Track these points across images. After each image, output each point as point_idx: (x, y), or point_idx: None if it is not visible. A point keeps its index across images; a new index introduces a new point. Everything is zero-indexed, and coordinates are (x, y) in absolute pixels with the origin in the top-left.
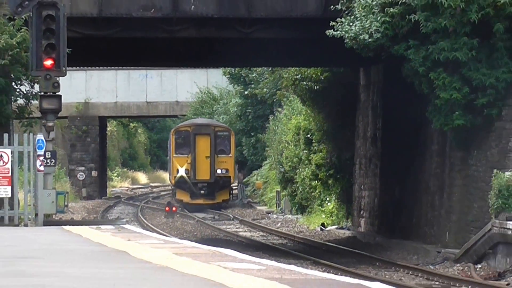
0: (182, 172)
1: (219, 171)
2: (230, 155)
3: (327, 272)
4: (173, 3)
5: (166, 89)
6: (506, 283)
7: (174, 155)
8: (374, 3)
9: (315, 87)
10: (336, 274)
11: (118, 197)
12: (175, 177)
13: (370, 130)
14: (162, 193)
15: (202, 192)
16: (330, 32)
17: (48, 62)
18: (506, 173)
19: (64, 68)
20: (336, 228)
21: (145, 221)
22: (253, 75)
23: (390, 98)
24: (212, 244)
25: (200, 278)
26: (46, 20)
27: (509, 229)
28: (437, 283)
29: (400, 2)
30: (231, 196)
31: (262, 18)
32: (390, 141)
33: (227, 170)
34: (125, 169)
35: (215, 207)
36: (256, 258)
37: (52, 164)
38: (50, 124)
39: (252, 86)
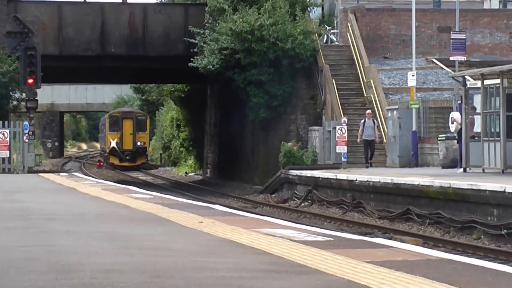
0: (113, 144)
1: (138, 143)
2: (146, 132)
3: (188, 199)
4: (101, 47)
5: (97, 96)
6: (288, 204)
7: (109, 132)
8: (215, 48)
9: (182, 95)
10: (194, 200)
11: (70, 157)
12: (109, 147)
13: (213, 119)
14: (96, 155)
15: (127, 157)
16: (191, 64)
17: (30, 81)
18: (288, 144)
19: (39, 84)
20: (194, 175)
21: (85, 170)
22: (147, 88)
23: (224, 101)
24: (124, 184)
25: (116, 203)
26: (29, 57)
27: (290, 174)
28: (249, 205)
29: (229, 48)
30: (146, 160)
31: (153, 56)
32: (224, 126)
33: (144, 143)
34: (74, 141)
35: (136, 168)
36: (148, 191)
37: (32, 138)
38: (31, 115)
39: (146, 94)
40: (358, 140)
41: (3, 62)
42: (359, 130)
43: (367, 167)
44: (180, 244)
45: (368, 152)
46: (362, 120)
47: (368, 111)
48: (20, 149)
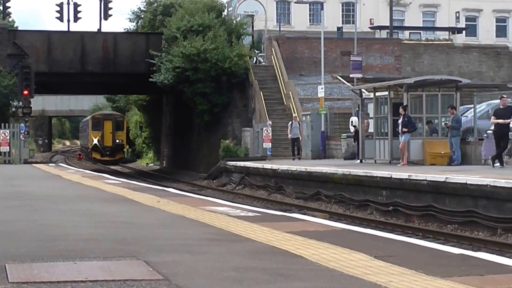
0: (96, 141)
1: (117, 141)
2: (124, 131)
3: (149, 184)
4: (81, 66)
5: (78, 104)
6: (226, 188)
7: (92, 131)
8: (169, 67)
9: (144, 103)
10: (153, 184)
11: (56, 151)
12: (91, 144)
13: (168, 122)
14: (76, 150)
15: (108, 153)
16: (151, 79)
17: (26, 92)
18: (226, 141)
19: (32, 94)
20: (153, 165)
21: (68, 162)
22: (117, 97)
23: (177, 108)
24: (99, 172)
25: (93, 187)
26: (25, 74)
27: (227, 165)
28: (196, 188)
29: (180, 67)
30: (124, 155)
31: (121, 73)
32: (176, 127)
33: (122, 141)
34: (60, 139)
35: (115, 162)
36: (117, 178)
37: (27, 137)
38: (26, 119)
39: (116, 102)
40: (289, 137)
41: (4, 78)
42: (288, 130)
43: (293, 159)
44: (143, 218)
45: (294, 147)
46: (290, 122)
47: (294, 115)
48: (17, 145)
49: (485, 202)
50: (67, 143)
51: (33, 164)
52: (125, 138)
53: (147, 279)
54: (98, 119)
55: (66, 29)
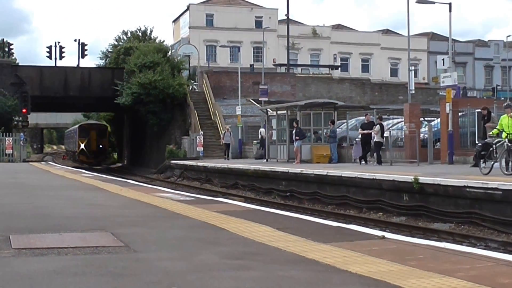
0: (82, 146)
1: (100, 146)
2: (106, 138)
3: (114, 177)
4: (65, 91)
5: (62, 118)
6: (170, 180)
7: (79, 138)
8: (129, 92)
9: (111, 118)
10: (117, 177)
11: (46, 153)
12: (79, 148)
13: (128, 132)
14: (61, 153)
15: (92, 156)
16: (115, 101)
17: (24, 110)
18: (170, 146)
19: (29, 112)
20: (118, 163)
21: (55, 161)
22: (91, 114)
23: (134, 122)
24: (77, 169)
25: (73, 179)
26: (24, 97)
27: (171, 163)
28: (148, 180)
29: (137, 92)
30: (106, 158)
31: (94, 97)
32: (134, 135)
33: (104, 146)
34: (49, 144)
35: (98, 163)
36: (91, 172)
37: (25, 142)
38: (25, 130)
39: (90, 118)
40: (222, 143)
41: (8, 100)
42: (222, 138)
43: (226, 159)
44: (109, 202)
45: (227, 150)
46: (224, 131)
47: (227, 127)
48: (18, 149)
49: (354, 189)
50: (55, 147)
51: (30, 162)
52: (107, 143)
53: (112, 246)
54: (85, 127)
55: (54, 65)
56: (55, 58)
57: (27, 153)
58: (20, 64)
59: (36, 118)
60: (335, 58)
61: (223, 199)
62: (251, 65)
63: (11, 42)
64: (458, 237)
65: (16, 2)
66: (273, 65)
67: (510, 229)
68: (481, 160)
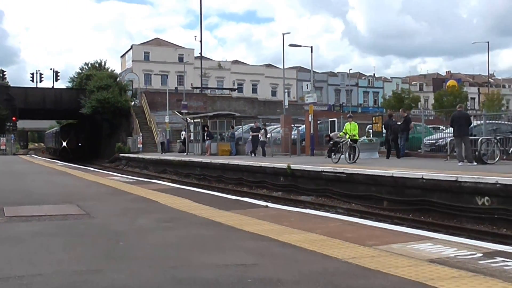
0: (64, 144)
1: (79, 144)
2: (85, 137)
3: (79, 165)
4: (43, 104)
5: (41, 124)
6: (119, 167)
7: (61, 137)
8: (89, 105)
9: (75, 123)
10: (80, 166)
11: (30, 149)
12: (61, 146)
13: (88, 133)
14: (41, 149)
15: (73, 152)
16: (80, 111)
17: (14, 118)
18: (118, 144)
19: (17, 120)
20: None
21: (36, 155)
22: (62, 121)
23: (93, 126)
24: (53, 159)
25: (49, 167)
26: (13, 109)
27: (119, 156)
28: (103, 167)
29: (95, 105)
30: (84, 154)
31: (64, 108)
32: (93, 136)
33: (82, 144)
34: (32, 143)
35: (78, 158)
36: (62, 162)
37: (15, 141)
38: (14, 132)
39: (61, 123)
40: (158, 141)
41: (2, 110)
42: (158, 137)
43: (160, 153)
44: (75, 183)
45: (162, 147)
46: (159, 133)
47: (165, 128)
48: (10, 145)
49: (247, 173)
50: (36, 144)
51: (18, 155)
52: (85, 142)
53: (77, 214)
54: (66, 127)
55: (35, 86)
56: (36, 81)
57: (16, 148)
58: (11, 85)
59: (22, 124)
60: (233, 83)
61: (156, 181)
62: (175, 88)
63: (4, 70)
64: (317, 206)
65: (8, 41)
66: (191, 87)
67: (352, 200)
68: (333, 153)
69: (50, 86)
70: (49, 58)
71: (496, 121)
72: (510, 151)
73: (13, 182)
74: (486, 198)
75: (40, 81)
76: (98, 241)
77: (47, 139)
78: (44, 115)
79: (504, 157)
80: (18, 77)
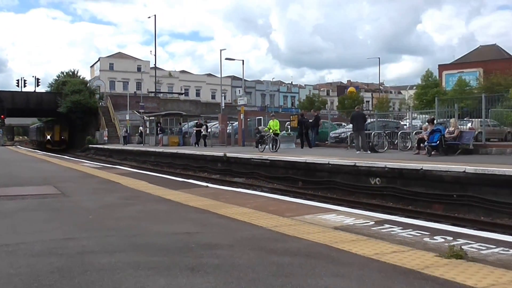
0: (48, 137)
1: (62, 137)
2: (67, 131)
3: (57, 155)
4: (27, 105)
5: (26, 121)
6: (90, 156)
7: (46, 131)
8: (65, 106)
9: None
10: (57, 155)
11: (16, 141)
12: (46, 139)
13: (66, 128)
14: (25, 141)
15: (56, 145)
16: (58, 110)
17: (2, 116)
18: (88, 137)
19: (5, 117)
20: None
21: (21, 146)
22: (43, 118)
23: (70, 122)
24: (36, 150)
25: (33, 156)
26: (1, 109)
27: (90, 147)
28: (76, 156)
29: (70, 106)
30: (66, 146)
31: (45, 109)
32: (71, 130)
33: (65, 137)
34: (18, 136)
35: (61, 150)
36: (44, 152)
37: (4, 135)
38: (2, 128)
39: (43, 120)
40: (122, 135)
41: None
42: (122, 131)
43: (123, 144)
44: (53, 168)
45: (124, 140)
46: (122, 128)
47: (127, 124)
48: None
49: (192, 160)
50: (21, 137)
51: (6, 146)
52: (67, 135)
53: (54, 193)
54: (50, 123)
55: (20, 90)
56: (21, 86)
57: (4, 140)
58: (0, 90)
59: (9, 121)
60: (181, 89)
61: (119, 166)
62: (134, 92)
63: None
64: (247, 186)
65: None
66: (147, 92)
67: (274, 181)
68: (259, 144)
69: (32, 90)
70: (31, 67)
71: (385, 119)
72: (395, 142)
73: (2, 168)
74: (377, 178)
75: (24, 86)
76: (72, 215)
77: (31, 133)
78: (28, 114)
79: (391, 147)
80: (6, 83)
